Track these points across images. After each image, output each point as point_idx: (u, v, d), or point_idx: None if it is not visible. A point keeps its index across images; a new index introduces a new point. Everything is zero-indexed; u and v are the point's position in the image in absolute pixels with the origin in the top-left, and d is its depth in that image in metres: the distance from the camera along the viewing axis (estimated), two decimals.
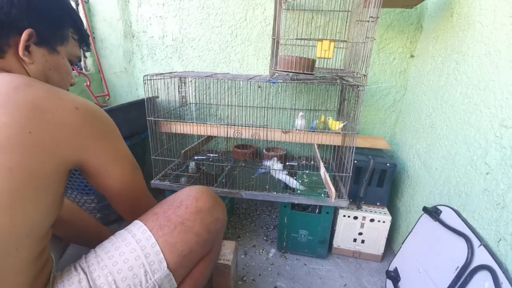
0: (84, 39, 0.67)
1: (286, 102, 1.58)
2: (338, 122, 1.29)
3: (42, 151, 0.48)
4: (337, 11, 1.33)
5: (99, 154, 0.57)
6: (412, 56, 1.43)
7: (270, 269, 1.24)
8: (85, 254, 0.62)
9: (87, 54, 1.67)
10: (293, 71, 1.02)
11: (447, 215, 0.93)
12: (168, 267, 0.62)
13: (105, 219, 1.45)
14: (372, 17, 0.93)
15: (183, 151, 1.26)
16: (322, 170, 1.10)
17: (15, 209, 0.46)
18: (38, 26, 0.55)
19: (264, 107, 1.58)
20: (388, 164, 1.22)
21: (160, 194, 1.53)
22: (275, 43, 1.03)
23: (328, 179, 1.03)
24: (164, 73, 1.24)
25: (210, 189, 0.76)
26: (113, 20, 1.63)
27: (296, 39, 1.07)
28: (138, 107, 1.36)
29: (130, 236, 0.62)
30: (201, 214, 0.68)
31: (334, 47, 0.99)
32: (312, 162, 1.53)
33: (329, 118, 1.35)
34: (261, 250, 1.36)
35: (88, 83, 1.30)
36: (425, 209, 1.02)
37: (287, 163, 1.49)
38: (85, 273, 0.56)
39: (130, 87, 1.76)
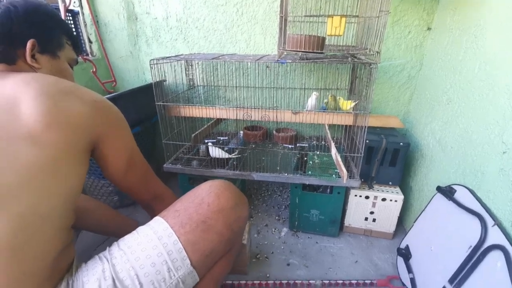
0: (76, 43, 0.75)
1: (295, 81, 1.54)
2: (349, 101, 1.26)
3: (77, 129, 0.56)
4: None
5: (106, 139, 0.63)
6: (429, 28, 1.35)
7: (282, 248, 1.28)
8: (109, 246, 0.64)
9: (92, 39, 1.65)
10: (302, 50, 0.98)
11: (461, 195, 0.92)
12: (191, 264, 0.63)
13: (122, 202, 1.51)
14: None
15: (193, 135, 1.26)
16: (333, 150, 1.09)
17: (58, 174, 0.54)
18: (38, 37, 0.63)
19: (273, 88, 1.55)
20: (401, 144, 1.20)
21: (173, 177, 1.57)
22: (283, 21, 0.98)
23: (339, 160, 1.02)
24: (170, 57, 1.22)
25: (232, 185, 0.75)
26: (115, 2, 1.58)
27: (305, 16, 1.01)
28: (146, 91, 1.35)
29: (152, 232, 0.63)
30: (223, 212, 0.68)
31: (346, 23, 0.94)
32: (323, 142, 1.52)
33: (339, 98, 1.32)
34: (273, 229, 1.40)
35: (94, 69, 1.30)
36: (439, 189, 1.02)
37: (297, 144, 1.48)
38: (109, 263, 0.59)
39: (137, 71, 1.74)
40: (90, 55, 1.69)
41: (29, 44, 0.62)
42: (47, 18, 0.67)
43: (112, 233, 0.98)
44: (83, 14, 1.58)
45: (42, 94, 0.54)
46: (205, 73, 1.62)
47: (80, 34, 1.66)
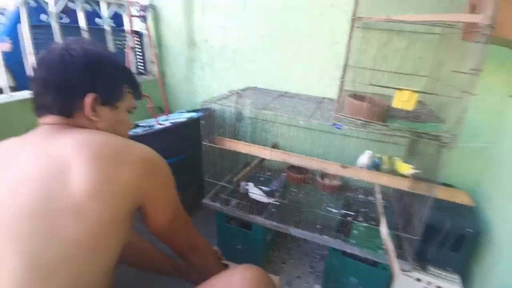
0: (137, 90, 0.73)
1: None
2: (408, 166, 1.11)
3: (123, 197, 0.55)
4: (422, 33, 1.08)
5: (154, 199, 0.62)
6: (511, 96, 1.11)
7: None
8: None
9: (154, 60, 1.72)
10: (362, 119, 0.87)
11: None
12: None
13: None
14: (474, 69, 0.72)
15: (235, 178, 1.24)
16: (384, 230, 0.96)
17: (101, 248, 0.53)
18: (99, 89, 0.61)
19: (323, 131, 1.44)
20: (469, 230, 1.01)
21: (211, 214, 1.56)
22: (343, 84, 0.88)
23: (390, 249, 0.89)
24: (221, 98, 1.20)
25: (265, 277, 0.71)
26: (177, 28, 1.63)
27: (370, 85, 0.89)
28: (195, 124, 1.37)
29: None
30: None
31: (416, 99, 0.80)
32: (371, 198, 1.38)
33: (396, 159, 1.17)
34: (305, 284, 1.32)
35: (151, 105, 1.34)
36: None
37: (343, 193, 1.36)
38: None
39: (189, 94, 1.78)
40: (151, 75, 1.78)
41: (89, 98, 0.59)
42: (108, 69, 0.64)
43: (147, 268, 1.01)
44: (148, 36, 1.66)
45: (93, 160, 0.52)
46: (254, 109, 1.58)
47: (145, 55, 1.76)
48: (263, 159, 1.51)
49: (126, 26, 1.58)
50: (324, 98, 1.38)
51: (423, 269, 1.09)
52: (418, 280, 1.08)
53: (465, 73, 0.71)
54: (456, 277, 1.08)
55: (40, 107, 0.60)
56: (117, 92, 0.66)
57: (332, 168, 1.22)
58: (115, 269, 0.62)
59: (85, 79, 0.60)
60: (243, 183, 1.37)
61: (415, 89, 0.79)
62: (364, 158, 1.18)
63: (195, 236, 0.81)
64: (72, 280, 0.49)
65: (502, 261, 0.98)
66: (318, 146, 1.45)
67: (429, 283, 1.07)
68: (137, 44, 1.71)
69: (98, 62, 0.62)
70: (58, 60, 0.58)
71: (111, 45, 1.53)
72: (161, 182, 0.63)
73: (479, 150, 1.23)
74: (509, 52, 1.05)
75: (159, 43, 1.72)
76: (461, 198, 1.13)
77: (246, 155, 1.55)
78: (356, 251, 1.08)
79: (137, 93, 0.73)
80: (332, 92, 1.41)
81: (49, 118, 0.60)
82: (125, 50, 1.57)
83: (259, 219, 1.22)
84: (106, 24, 1.50)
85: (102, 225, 0.52)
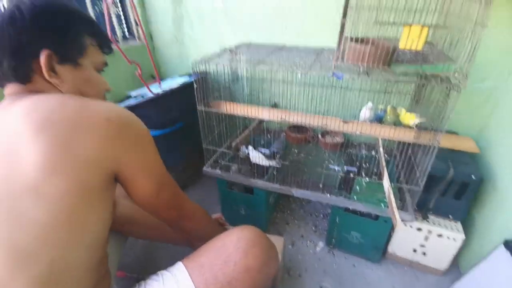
0: (104, 42, 0.62)
1: (350, 81, 1.34)
2: (413, 114, 1.06)
3: (88, 167, 0.49)
4: None
5: (129, 164, 0.55)
6: None
7: (316, 265, 1.22)
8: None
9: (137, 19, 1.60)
10: (365, 64, 0.81)
11: None
12: None
13: None
14: None
15: (234, 143, 1.20)
16: (386, 184, 0.94)
17: (77, 224, 0.49)
18: (53, 45, 0.53)
19: (324, 86, 1.37)
20: (472, 177, 1.00)
21: (212, 182, 1.55)
22: (341, 26, 0.81)
23: (392, 200, 0.87)
24: (213, 58, 1.12)
25: (261, 236, 0.68)
26: None
27: (375, 22, 0.81)
28: (189, 89, 1.30)
29: (176, 286, 0.61)
30: (250, 273, 0.62)
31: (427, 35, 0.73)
32: (373, 152, 1.35)
33: (401, 109, 1.12)
34: (308, 242, 1.34)
35: (140, 72, 1.26)
36: (506, 244, 0.85)
37: (345, 149, 1.33)
38: None
39: (181, 57, 1.69)
40: (137, 39, 1.67)
41: (43, 57, 0.51)
42: (61, 17, 0.54)
43: (158, 239, 1.01)
44: None
45: (43, 129, 0.46)
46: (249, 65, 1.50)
47: (128, 16, 1.63)
48: (261, 121, 1.46)
49: None
50: (323, 48, 1.29)
51: (424, 218, 1.10)
52: (419, 229, 1.10)
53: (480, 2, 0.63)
54: (457, 225, 1.09)
55: (0, 77, 0.54)
56: (76, 46, 0.56)
57: (334, 124, 1.18)
58: (107, 243, 0.60)
59: (36, 34, 0.51)
60: (243, 148, 1.34)
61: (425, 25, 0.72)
62: (366, 111, 1.13)
63: (185, 203, 0.73)
64: (53, 263, 0.47)
65: (505, 206, 0.97)
66: (318, 103, 1.40)
67: (429, 231, 1.08)
68: (118, 4, 1.57)
69: (48, 12, 0.53)
70: (7, 19, 0.50)
71: (90, 10, 1.40)
72: (133, 143, 0.55)
73: (485, 94, 1.17)
74: None
75: (142, 2, 1.59)
76: (466, 145, 1.10)
77: (244, 118, 1.50)
78: (358, 206, 1.07)
79: (104, 45, 0.62)
80: (332, 41, 1.29)
81: (9, 88, 0.54)
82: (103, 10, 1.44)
83: (260, 183, 1.21)
84: None
85: (68, 202, 0.47)
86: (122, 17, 1.62)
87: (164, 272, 0.66)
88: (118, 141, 0.52)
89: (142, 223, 0.93)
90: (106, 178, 0.52)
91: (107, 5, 1.18)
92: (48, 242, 0.46)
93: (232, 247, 0.64)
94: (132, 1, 1.33)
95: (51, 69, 0.53)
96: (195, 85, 1.13)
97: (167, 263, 0.68)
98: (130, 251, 1.26)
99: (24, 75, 0.53)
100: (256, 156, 1.27)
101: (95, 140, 0.49)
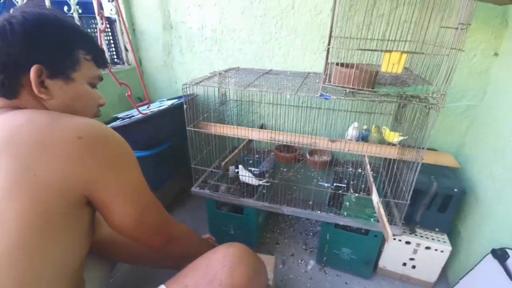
0: (98, 56, 0.60)
1: (336, 102, 1.41)
2: (396, 133, 1.13)
3: (51, 191, 0.45)
4: None
5: (104, 187, 0.51)
6: (496, 54, 1.15)
7: (308, 285, 1.21)
8: None
9: (128, 48, 1.64)
10: (350, 87, 0.87)
11: None
12: None
13: None
14: (462, 23, 0.73)
15: (223, 163, 1.21)
16: (375, 198, 0.98)
17: (33, 256, 0.44)
18: (45, 59, 0.51)
19: (310, 107, 1.43)
20: (455, 190, 1.06)
21: (201, 202, 1.53)
22: (328, 51, 0.87)
23: (383, 214, 0.91)
24: (203, 81, 1.16)
25: (247, 253, 0.67)
26: (151, 9, 1.55)
27: (358, 49, 0.88)
28: (178, 110, 1.32)
29: None
30: None
31: (406, 60, 0.80)
32: (360, 170, 1.40)
33: (384, 128, 1.19)
34: (299, 261, 1.33)
35: (129, 93, 1.27)
36: (494, 252, 0.88)
37: (332, 169, 1.38)
38: None
39: (170, 81, 1.72)
40: (125, 64, 1.69)
41: (32, 72, 0.49)
42: (53, 31, 0.53)
43: (146, 264, 0.96)
44: (120, 21, 1.56)
45: (4, 150, 0.43)
46: (239, 88, 1.55)
47: (117, 42, 1.66)
48: (250, 141, 1.49)
49: (95, 9, 1.48)
50: (309, 72, 1.36)
51: (412, 231, 1.13)
52: (408, 243, 1.13)
53: (455, 28, 0.71)
54: (444, 237, 1.13)
55: None
56: (68, 60, 0.54)
57: (321, 143, 1.23)
58: (80, 274, 0.55)
59: (26, 49, 0.50)
60: (231, 167, 1.35)
61: (404, 51, 0.79)
62: (352, 130, 1.19)
63: (171, 226, 0.69)
64: None
65: (489, 217, 1.03)
66: (305, 123, 1.45)
67: (418, 244, 1.11)
68: (108, 31, 1.61)
69: (39, 26, 0.51)
70: None
71: None
72: (109, 163, 0.51)
73: (462, 112, 1.27)
74: (492, 9, 1.08)
75: (132, 29, 1.63)
76: (446, 161, 1.17)
77: (233, 139, 1.53)
78: (348, 222, 1.10)
79: (99, 59, 0.60)
80: (317, 66, 1.40)
81: None
82: (96, 34, 1.47)
83: (250, 202, 1.21)
84: (73, 10, 1.39)
85: (28, 228, 0.43)
86: (112, 43, 1.65)
87: None
88: (89, 161, 0.48)
89: (129, 245, 0.87)
90: (74, 203, 0.48)
91: (99, 31, 1.21)
92: (5, 273, 0.42)
93: (218, 265, 0.62)
94: (126, 28, 1.36)
95: (41, 84, 0.52)
96: (185, 106, 1.15)
97: (149, 286, 0.64)
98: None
99: (11, 90, 0.51)
100: (246, 175, 1.29)
101: (61, 161, 0.46)
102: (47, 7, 0.58)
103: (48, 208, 0.45)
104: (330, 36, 0.86)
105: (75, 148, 0.47)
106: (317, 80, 1.16)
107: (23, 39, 0.49)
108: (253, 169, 1.40)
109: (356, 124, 1.20)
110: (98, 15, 1.28)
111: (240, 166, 1.31)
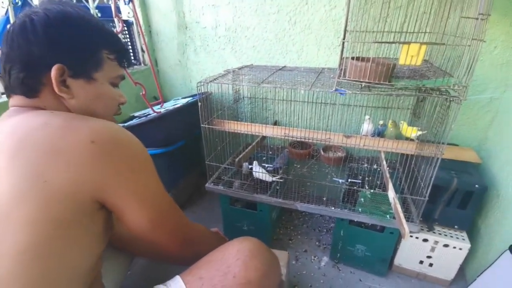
0: (122, 55, 0.59)
1: (351, 97, 1.39)
2: (414, 128, 1.11)
3: (62, 197, 0.44)
4: None
5: (117, 192, 0.50)
6: None
7: (322, 281, 1.20)
8: None
9: (144, 48, 1.67)
10: (366, 81, 0.86)
11: None
12: None
13: None
14: (482, 14, 0.71)
15: (237, 159, 1.22)
16: (391, 194, 0.96)
17: (47, 260, 0.44)
18: (67, 59, 0.50)
19: (324, 103, 1.42)
20: (476, 186, 1.02)
21: (215, 198, 1.55)
22: (342, 45, 0.86)
23: (399, 210, 0.89)
24: (216, 77, 1.17)
25: (261, 247, 0.66)
26: (167, 11, 1.58)
27: (374, 42, 0.87)
28: (192, 108, 1.34)
29: None
30: (251, 285, 0.59)
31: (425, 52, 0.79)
32: (375, 166, 1.38)
33: (402, 122, 1.17)
34: (313, 257, 1.33)
35: (144, 92, 1.30)
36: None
37: (346, 165, 1.36)
38: None
39: (185, 79, 1.75)
40: (142, 64, 1.74)
41: (54, 71, 0.48)
42: (77, 31, 0.51)
43: (163, 260, 0.98)
44: (137, 24, 1.60)
45: (18, 153, 0.43)
46: (252, 84, 1.56)
47: (134, 43, 1.70)
48: (264, 138, 1.50)
49: (113, 11, 1.52)
50: (324, 68, 1.35)
51: (430, 229, 1.11)
52: (425, 240, 1.10)
53: (476, 18, 0.69)
54: (463, 234, 1.09)
55: (7, 86, 0.52)
56: (91, 60, 0.53)
57: (336, 138, 1.22)
58: (97, 273, 0.55)
59: (48, 47, 0.49)
60: (245, 164, 1.36)
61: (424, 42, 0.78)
62: (365, 124, 1.17)
63: (188, 229, 0.68)
64: None
65: (510, 214, 0.99)
66: (320, 120, 1.44)
67: (436, 242, 1.09)
68: (126, 33, 1.65)
69: (62, 24, 0.50)
70: (18, 29, 0.48)
71: None
72: (124, 167, 0.49)
73: (485, 106, 1.23)
74: (510, 0, 1.04)
75: (148, 30, 1.67)
76: (467, 156, 1.13)
77: (246, 136, 1.54)
78: (363, 218, 1.08)
79: (122, 58, 0.59)
80: (332, 62, 1.39)
81: (14, 99, 0.52)
82: None
83: (264, 198, 1.22)
84: (93, 14, 1.45)
85: (39, 234, 0.43)
86: (129, 45, 1.70)
87: (160, 286, 0.62)
88: (102, 167, 0.47)
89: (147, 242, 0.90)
90: (87, 208, 0.48)
91: (116, 31, 1.25)
92: (16, 278, 0.42)
93: (232, 258, 0.62)
94: (141, 30, 1.40)
95: (63, 83, 0.51)
96: (199, 103, 1.17)
97: (164, 277, 0.65)
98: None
99: (31, 88, 0.51)
100: (259, 172, 1.29)
101: (73, 167, 0.45)
102: (71, 3, 0.55)
103: (59, 214, 0.44)
104: (345, 30, 0.85)
105: (88, 154, 0.45)
106: (332, 76, 1.15)
107: (45, 38, 0.48)
108: (266, 165, 1.40)
109: (367, 116, 1.18)
110: (115, 17, 1.32)
111: (254, 162, 1.33)
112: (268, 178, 1.27)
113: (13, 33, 0.49)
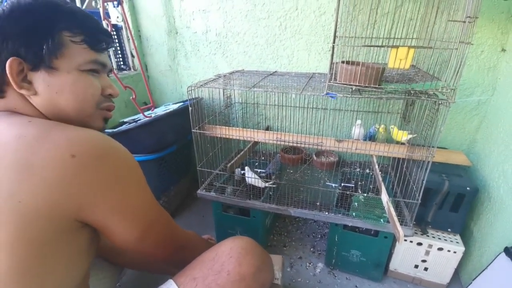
0: (92, 36, 0.50)
1: (341, 102, 1.40)
2: (404, 132, 1.11)
3: (39, 218, 0.41)
4: None
5: (100, 210, 0.46)
6: (503, 50, 1.13)
7: None
8: None
9: (134, 53, 1.66)
10: (357, 84, 0.86)
11: None
12: None
13: None
14: (469, 17, 0.72)
15: (228, 164, 1.20)
16: (385, 198, 0.96)
17: (30, 279, 0.42)
18: (22, 50, 0.45)
19: (316, 108, 1.42)
20: (467, 188, 1.03)
21: (207, 204, 1.53)
22: (333, 49, 0.86)
23: (393, 213, 0.88)
24: (207, 82, 1.16)
25: (254, 245, 0.66)
26: (156, 16, 1.57)
27: (363, 46, 0.88)
28: (183, 112, 1.32)
29: None
30: (245, 281, 0.60)
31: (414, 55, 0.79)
32: (367, 170, 1.38)
33: (392, 127, 1.17)
34: (307, 264, 1.31)
35: (134, 97, 1.28)
36: (507, 251, 0.86)
37: (339, 169, 1.36)
38: None
39: (175, 85, 1.73)
40: (132, 69, 1.71)
41: (7, 66, 0.44)
42: (28, 15, 0.45)
43: (152, 271, 0.95)
44: (126, 28, 1.58)
45: None
46: (244, 89, 1.55)
47: (124, 48, 1.68)
48: (256, 143, 1.48)
49: (101, 16, 1.50)
50: (314, 73, 1.36)
51: (424, 232, 1.10)
52: (419, 244, 1.09)
53: (463, 21, 0.70)
54: (457, 237, 1.09)
55: None
56: (48, 45, 0.46)
57: (328, 143, 1.22)
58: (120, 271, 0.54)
59: (9, 39, 0.44)
60: (237, 169, 1.34)
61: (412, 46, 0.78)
62: (356, 128, 1.17)
63: (179, 235, 0.67)
64: None
65: (502, 215, 0.99)
66: (311, 125, 1.44)
67: (430, 246, 1.08)
68: (115, 37, 1.63)
69: (10, 12, 0.45)
70: None
71: None
72: (109, 183, 0.46)
73: (473, 109, 1.24)
74: (497, 5, 1.06)
75: (138, 35, 1.66)
76: (457, 159, 1.14)
77: (238, 141, 1.52)
78: (357, 223, 1.07)
79: (93, 40, 0.50)
80: (322, 66, 1.40)
81: None
82: None
83: (257, 204, 1.20)
84: None
85: (17, 256, 0.40)
86: (119, 49, 1.68)
87: None
88: (83, 184, 0.43)
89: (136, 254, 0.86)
90: (67, 228, 0.45)
91: None
92: None
93: (225, 256, 0.62)
94: (131, 35, 1.39)
95: (23, 79, 0.46)
96: (190, 108, 1.15)
97: (157, 283, 0.63)
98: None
99: None
100: (252, 177, 1.28)
101: (50, 185, 0.41)
102: None
103: (38, 234, 0.41)
104: (335, 36, 0.86)
105: (67, 170, 0.41)
106: (323, 80, 1.16)
107: (7, 30, 0.44)
108: (259, 170, 1.39)
109: (358, 121, 1.18)
110: (104, 20, 1.30)
111: (246, 168, 1.31)
112: (260, 183, 1.26)
113: None
